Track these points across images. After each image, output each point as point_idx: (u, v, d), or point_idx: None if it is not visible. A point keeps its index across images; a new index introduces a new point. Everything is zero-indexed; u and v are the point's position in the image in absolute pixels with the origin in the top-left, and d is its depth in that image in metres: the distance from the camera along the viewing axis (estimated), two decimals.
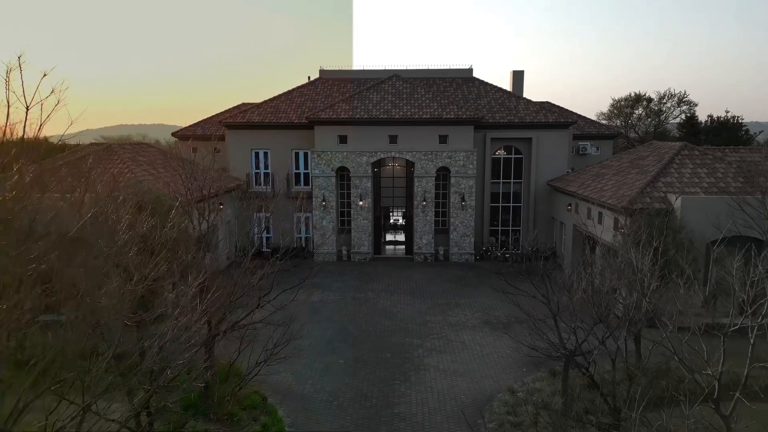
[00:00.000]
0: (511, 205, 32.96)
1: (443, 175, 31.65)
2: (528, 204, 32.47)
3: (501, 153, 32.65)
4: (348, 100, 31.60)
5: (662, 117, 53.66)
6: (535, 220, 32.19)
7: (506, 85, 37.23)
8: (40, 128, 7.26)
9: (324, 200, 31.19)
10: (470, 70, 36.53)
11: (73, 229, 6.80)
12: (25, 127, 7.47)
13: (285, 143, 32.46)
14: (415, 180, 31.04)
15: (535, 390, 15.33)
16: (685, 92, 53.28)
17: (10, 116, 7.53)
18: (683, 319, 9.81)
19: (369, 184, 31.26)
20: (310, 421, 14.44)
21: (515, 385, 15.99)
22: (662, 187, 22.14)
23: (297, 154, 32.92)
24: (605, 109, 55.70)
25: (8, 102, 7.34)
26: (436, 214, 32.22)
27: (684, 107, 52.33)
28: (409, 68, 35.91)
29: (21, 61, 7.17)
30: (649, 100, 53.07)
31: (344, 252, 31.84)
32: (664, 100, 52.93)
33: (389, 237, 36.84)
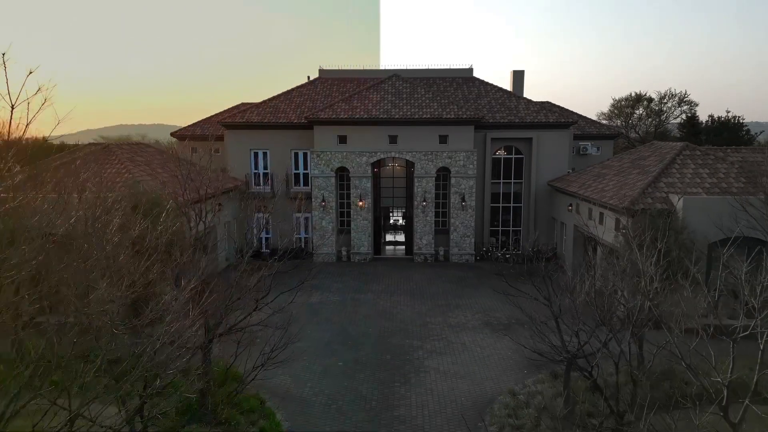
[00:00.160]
0: (512, 205, 32.79)
1: (443, 175, 31.49)
2: (528, 204, 32.31)
3: (501, 153, 32.49)
4: (348, 99, 31.44)
5: (663, 117, 53.52)
6: (536, 221, 32.03)
7: (506, 85, 37.10)
8: (26, 127, 7.07)
9: (323, 201, 31.03)
10: (470, 70, 36.38)
11: (59, 232, 6.63)
12: (10, 126, 7.28)
13: (284, 143, 32.30)
14: (415, 180, 30.88)
15: (536, 393, 15.15)
16: (685, 92, 53.06)
17: None
18: (689, 322, 9.64)
19: (369, 185, 31.09)
20: (309, 425, 14.27)
21: (516, 388, 15.82)
22: (664, 187, 21.98)
23: (296, 155, 32.76)
24: (605, 109, 55.54)
25: None
26: (436, 215, 32.06)
27: (685, 107, 52.21)
28: (409, 68, 35.77)
29: (5, 58, 6.97)
30: (650, 100, 52.93)
31: (344, 253, 31.67)
32: (665, 100, 52.79)
33: (389, 237, 36.68)
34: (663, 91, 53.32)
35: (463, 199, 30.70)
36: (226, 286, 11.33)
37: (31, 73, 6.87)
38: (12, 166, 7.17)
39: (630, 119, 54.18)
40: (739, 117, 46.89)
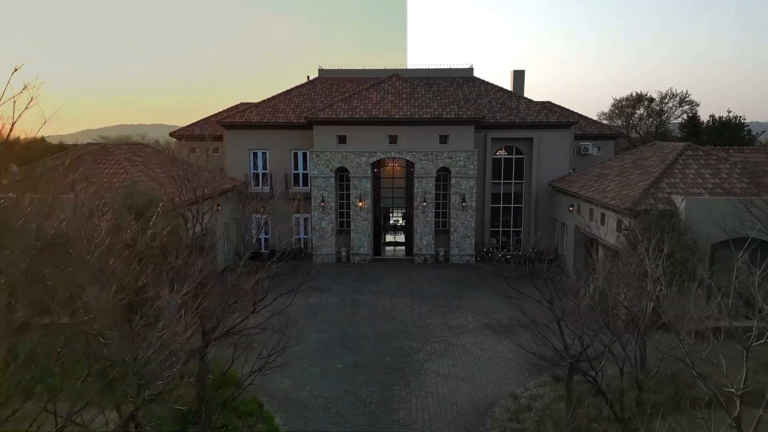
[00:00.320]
0: (512, 205, 32.61)
1: (443, 175, 31.30)
2: (529, 205, 32.12)
3: (502, 153, 32.30)
4: (347, 99, 31.25)
5: (664, 117, 53.34)
6: (537, 221, 31.84)
7: (506, 85, 36.90)
8: (12, 126, 6.87)
9: (323, 201, 30.84)
10: (471, 70, 36.19)
11: (49, 234, 6.44)
12: None
13: (283, 143, 32.11)
14: (415, 180, 30.69)
15: (538, 396, 14.97)
16: (686, 92, 52.83)
17: None
18: (695, 324, 9.43)
19: (368, 185, 30.91)
20: (308, 429, 14.09)
21: (517, 391, 15.62)
22: (666, 187, 21.79)
23: (296, 155, 32.57)
24: (606, 108, 55.31)
25: None
26: (437, 215, 31.88)
27: (686, 107, 52.02)
28: (409, 68, 35.60)
29: None
30: (651, 100, 52.75)
31: (343, 253, 31.49)
32: (666, 100, 52.61)
33: (389, 238, 36.50)
34: (664, 91, 53.20)
35: (463, 200, 30.52)
36: (223, 289, 11.13)
37: (16, 70, 6.66)
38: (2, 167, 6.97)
39: (631, 119, 54.00)
40: (740, 117, 46.74)
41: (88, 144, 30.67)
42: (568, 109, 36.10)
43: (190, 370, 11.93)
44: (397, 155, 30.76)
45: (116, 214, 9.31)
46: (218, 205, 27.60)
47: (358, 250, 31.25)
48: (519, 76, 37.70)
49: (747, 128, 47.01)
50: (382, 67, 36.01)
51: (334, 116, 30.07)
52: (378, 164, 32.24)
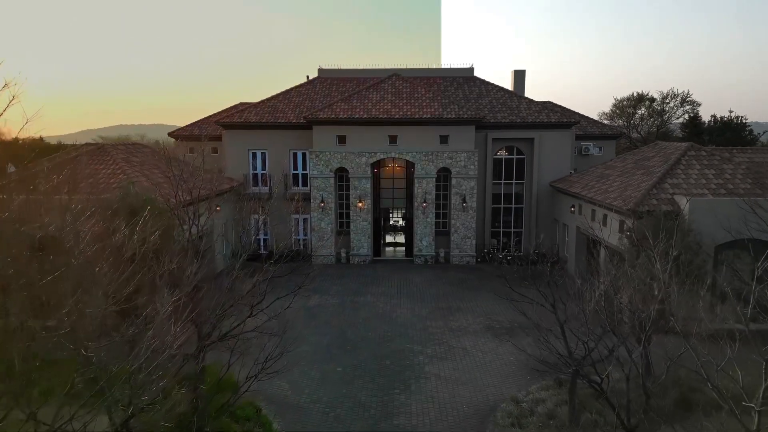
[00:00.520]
0: (513, 206, 32.37)
1: (444, 176, 31.06)
2: (530, 205, 31.88)
3: (503, 153, 32.06)
4: (347, 99, 31.01)
5: (665, 117, 53.09)
6: (537, 222, 31.61)
7: (507, 85, 36.67)
8: None
9: (322, 201, 30.60)
10: (471, 69, 35.97)
11: (33, 238, 6.21)
12: None
13: (283, 143, 31.86)
14: (416, 181, 30.46)
15: (540, 400, 14.71)
16: (688, 92, 52.56)
17: None
18: (705, 328, 9.19)
19: (368, 185, 30.67)
20: None
21: (519, 395, 15.38)
22: (669, 188, 21.55)
23: (295, 155, 32.33)
24: (606, 108, 55.13)
25: None
26: (437, 216, 31.63)
27: (687, 107, 51.77)
28: (409, 67, 35.34)
29: None
30: (652, 99, 52.50)
31: (343, 254, 31.25)
32: (667, 100, 52.37)
33: (389, 239, 36.25)
34: (665, 91, 52.96)
35: (464, 200, 30.28)
36: (219, 293, 10.88)
37: (0, 63, 6.40)
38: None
39: (632, 119, 53.76)
40: (742, 117, 46.48)
41: (86, 144, 30.44)
42: (569, 109, 35.86)
43: (187, 374, 11.71)
44: (397, 155, 30.52)
45: (107, 217, 9.06)
46: (217, 206, 27.37)
47: (357, 251, 31.01)
48: (519, 76, 37.50)
49: (749, 128, 46.74)
50: (382, 67, 35.78)
51: (333, 116, 29.83)
52: (378, 164, 32.01)
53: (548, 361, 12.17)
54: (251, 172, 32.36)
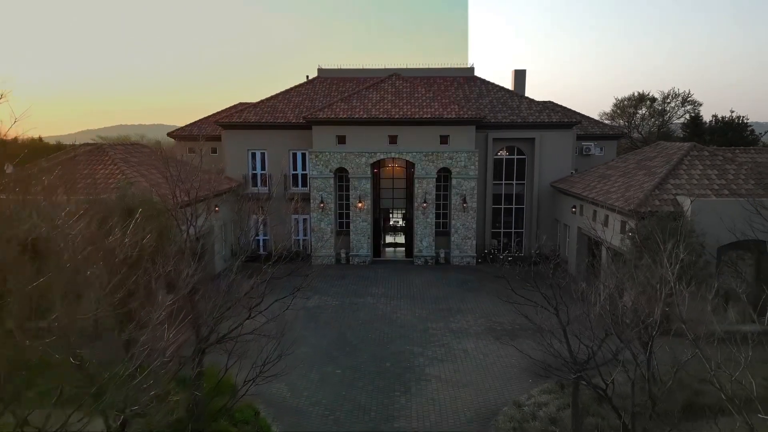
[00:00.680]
0: (514, 206, 32.19)
1: (444, 176, 30.90)
2: (531, 206, 31.71)
3: (503, 154, 31.89)
4: (347, 99, 30.84)
5: (666, 117, 52.92)
6: (538, 223, 31.43)
7: (507, 85, 36.50)
8: None
9: (322, 202, 30.43)
10: (471, 69, 35.79)
11: (25, 239, 6.03)
12: None
13: (282, 144, 31.68)
14: (416, 181, 30.28)
15: (542, 404, 14.54)
16: (689, 92, 52.37)
17: None
18: (710, 329, 9.00)
19: (368, 186, 30.50)
20: None
21: (521, 398, 15.20)
22: (671, 189, 21.38)
23: (294, 155, 32.16)
24: (607, 108, 55.01)
25: None
26: (437, 216, 31.46)
27: (688, 107, 51.59)
28: (409, 67, 35.17)
29: None
30: (653, 99, 52.33)
31: (343, 255, 31.07)
32: (668, 100, 52.20)
33: (389, 239, 36.08)
34: (666, 91, 52.80)
35: (464, 201, 30.10)
36: (216, 295, 10.70)
37: None
38: None
39: (633, 119, 53.59)
40: (743, 117, 46.28)
41: (84, 144, 30.29)
42: (570, 109, 35.68)
43: (184, 377, 11.52)
44: (397, 155, 30.35)
45: (101, 218, 8.86)
46: (216, 206, 27.19)
47: (357, 252, 30.84)
48: (520, 76, 37.34)
49: (750, 128, 46.53)
50: (382, 67, 35.60)
51: (333, 116, 29.66)
52: (378, 165, 31.84)
53: (551, 364, 11.97)
54: (250, 172, 32.20)
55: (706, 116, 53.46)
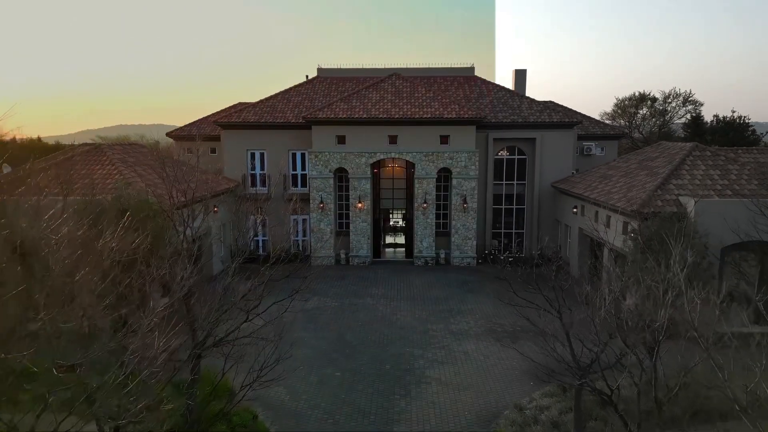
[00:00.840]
0: (514, 207, 32.00)
1: (444, 176, 30.71)
2: (531, 206, 31.52)
3: (504, 154, 31.70)
4: (346, 99, 30.65)
5: (667, 117, 52.72)
6: (539, 223, 31.24)
7: (507, 84, 36.32)
8: None
9: (322, 202, 30.24)
10: (472, 69, 35.61)
11: (13, 242, 5.84)
12: None
13: (281, 144, 31.49)
14: (416, 181, 30.10)
15: (544, 407, 14.35)
16: (690, 92, 52.15)
17: None
18: (722, 333, 8.81)
19: (368, 186, 30.31)
20: None
21: (523, 401, 15.01)
22: (674, 189, 21.18)
23: (294, 155, 31.98)
24: (608, 108, 54.89)
25: None
26: (437, 217, 31.27)
27: (689, 107, 51.38)
28: (409, 66, 34.98)
29: None
30: (654, 99, 52.12)
31: (342, 256, 30.89)
32: (669, 100, 51.99)
33: (389, 240, 35.89)
34: (667, 91, 52.56)
35: (464, 201, 29.92)
36: (212, 298, 10.50)
37: None
38: None
39: (634, 119, 53.40)
40: (744, 117, 46.09)
41: (83, 144, 30.10)
42: (570, 109, 35.49)
43: (180, 381, 11.34)
44: (397, 155, 30.17)
45: (91, 220, 8.66)
46: (215, 206, 27.01)
47: (357, 253, 30.65)
48: (521, 76, 37.17)
49: (751, 128, 46.35)
50: (382, 66, 35.42)
51: (333, 116, 29.47)
52: (378, 165, 31.65)
53: (554, 369, 11.78)
54: (250, 172, 32.02)
55: (707, 116, 53.26)
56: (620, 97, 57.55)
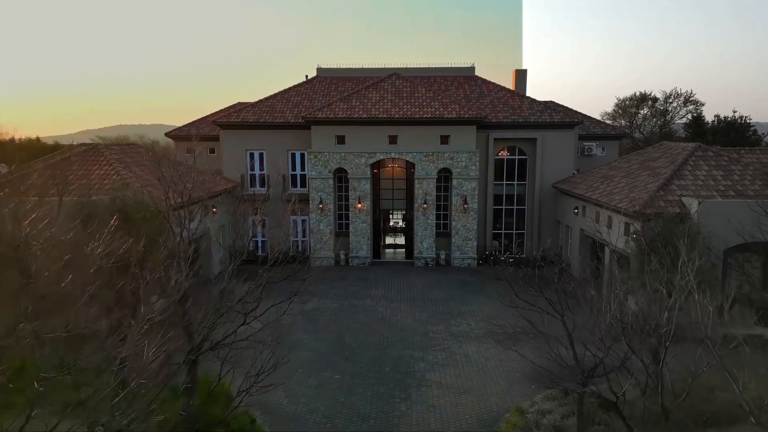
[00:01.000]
0: (515, 207, 31.81)
1: (444, 176, 30.52)
2: (532, 207, 31.32)
3: (504, 154, 31.50)
4: (346, 99, 30.46)
5: (668, 117, 52.52)
6: (540, 224, 31.04)
7: (508, 84, 36.10)
8: None
9: (321, 203, 30.05)
10: (472, 68, 35.41)
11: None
12: None
13: (281, 144, 31.30)
14: (416, 182, 29.91)
15: (546, 411, 14.14)
16: (691, 92, 51.94)
17: None
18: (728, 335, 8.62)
19: (368, 186, 30.12)
20: None
21: (524, 405, 14.80)
22: (676, 190, 21.00)
23: (293, 155, 31.78)
24: (608, 108, 54.73)
25: None
26: (437, 217, 31.08)
27: (690, 107, 51.19)
28: (409, 66, 34.78)
29: None
30: (655, 99, 51.93)
31: (342, 256, 30.69)
32: (670, 100, 51.79)
33: (389, 240, 35.70)
34: (668, 91, 52.38)
35: (465, 202, 29.72)
36: (208, 301, 10.31)
37: None
38: None
39: (634, 119, 53.21)
40: (745, 117, 45.93)
41: (80, 144, 29.89)
42: (571, 109, 35.31)
43: (176, 385, 11.14)
44: (397, 156, 29.98)
45: (79, 222, 8.46)
46: (213, 207, 26.82)
47: (357, 253, 30.46)
48: (521, 75, 36.99)
49: (753, 128, 46.17)
50: (382, 66, 35.22)
51: (332, 116, 29.28)
52: (377, 165, 31.46)
53: (555, 371, 11.58)
54: (249, 172, 31.82)
55: (708, 116, 53.00)
56: (621, 97, 57.37)
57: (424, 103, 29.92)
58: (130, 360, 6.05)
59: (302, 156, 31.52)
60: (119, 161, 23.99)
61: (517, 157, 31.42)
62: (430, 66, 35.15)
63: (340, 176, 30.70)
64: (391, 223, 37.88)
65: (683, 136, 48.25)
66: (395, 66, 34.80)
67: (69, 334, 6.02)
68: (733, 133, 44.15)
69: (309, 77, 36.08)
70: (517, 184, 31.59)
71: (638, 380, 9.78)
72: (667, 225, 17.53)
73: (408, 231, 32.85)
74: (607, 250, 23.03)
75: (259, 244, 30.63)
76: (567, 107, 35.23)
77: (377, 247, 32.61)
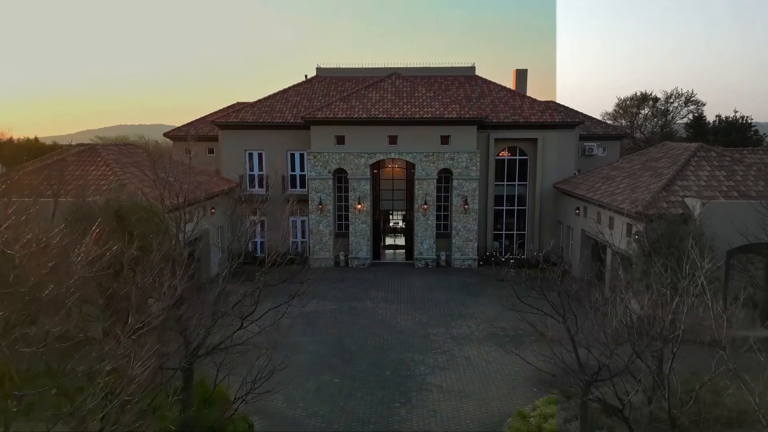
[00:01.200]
0: (516, 208, 31.60)
1: (445, 177, 30.31)
2: (533, 207, 31.11)
3: (505, 154, 31.29)
4: (346, 99, 30.25)
5: (669, 117, 52.32)
6: (541, 225, 30.83)
7: (508, 84, 35.90)
8: None
9: (321, 203, 29.84)
10: (472, 68, 35.21)
11: None
12: None
13: (280, 144, 31.10)
14: (416, 182, 29.70)
15: (548, 415, 13.92)
16: (692, 92, 51.73)
17: None
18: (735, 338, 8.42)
19: (368, 187, 29.91)
20: None
21: (526, 409, 14.58)
22: (679, 190, 20.79)
23: (293, 156, 31.58)
24: (609, 108, 54.54)
25: None
26: (438, 218, 30.87)
27: (691, 107, 50.98)
28: (409, 66, 34.58)
29: None
30: (656, 99, 51.72)
31: (342, 257, 30.49)
32: (671, 100, 51.58)
33: (389, 241, 35.50)
34: (669, 91, 52.18)
35: (465, 202, 29.52)
36: (203, 305, 10.10)
37: None
38: None
39: (635, 119, 53.00)
40: (747, 117, 45.74)
41: (78, 145, 29.69)
42: (572, 109, 35.11)
43: (174, 388, 10.92)
44: (397, 156, 29.77)
45: (65, 225, 8.25)
46: (212, 208, 26.61)
47: (356, 254, 30.25)
48: (522, 75, 36.79)
49: (754, 128, 45.98)
50: (382, 66, 35.02)
51: (332, 116, 29.07)
52: (377, 165, 31.26)
53: (556, 374, 11.37)
54: (248, 173, 31.62)
55: (709, 116, 52.74)
56: (621, 97, 57.17)
57: (425, 103, 29.71)
58: (120, 368, 5.84)
59: (301, 156, 31.32)
60: (116, 162, 23.77)
61: (517, 157, 31.21)
62: (431, 66, 34.97)
63: (340, 177, 30.50)
64: (391, 224, 37.69)
65: (684, 136, 48.06)
66: (395, 66, 34.61)
67: (59, 343, 5.81)
68: (735, 133, 43.96)
69: (308, 77, 35.88)
70: (518, 185, 31.38)
71: (644, 385, 9.56)
72: (670, 226, 17.32)
73: (408, 232, 32.65)
74: (609, 251, 22.82)
75: (258, 245, 30.40)
76: (568, 107, 35.05)
77: (377, 248, 32.41)
